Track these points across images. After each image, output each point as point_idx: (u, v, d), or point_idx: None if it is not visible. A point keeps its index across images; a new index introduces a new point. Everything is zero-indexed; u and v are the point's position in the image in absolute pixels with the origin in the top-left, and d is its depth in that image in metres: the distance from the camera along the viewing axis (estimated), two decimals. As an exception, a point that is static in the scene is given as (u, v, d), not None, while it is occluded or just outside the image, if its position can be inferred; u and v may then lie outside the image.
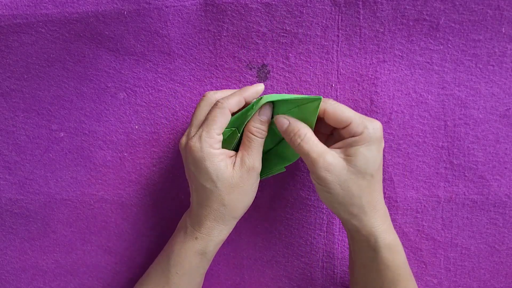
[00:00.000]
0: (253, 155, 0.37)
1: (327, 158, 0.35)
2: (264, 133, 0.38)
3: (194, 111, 0.39)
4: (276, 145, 0.43)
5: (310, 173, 0.37)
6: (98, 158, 0.47)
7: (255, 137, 0.37)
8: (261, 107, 0.37)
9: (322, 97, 0.36)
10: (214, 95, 0.38)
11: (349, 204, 0.36)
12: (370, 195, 0.37)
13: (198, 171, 0.37)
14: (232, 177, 0.37)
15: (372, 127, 0.35)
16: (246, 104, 0.38)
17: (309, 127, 0.37)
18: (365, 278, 0.39)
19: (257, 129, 0.37)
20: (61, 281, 0.50)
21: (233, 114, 0.38)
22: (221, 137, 0.37)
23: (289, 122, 0.37)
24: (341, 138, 0.37)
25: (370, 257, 0.38)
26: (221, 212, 0.38)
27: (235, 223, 0.40)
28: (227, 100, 0.36)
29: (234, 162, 0.37)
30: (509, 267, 0.45)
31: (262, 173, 0.41)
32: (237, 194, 0.37)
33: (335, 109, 0.35)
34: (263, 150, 0.42)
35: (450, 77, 0.43)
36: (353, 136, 0.35)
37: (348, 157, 0.35)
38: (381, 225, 0.37)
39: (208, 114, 0.37)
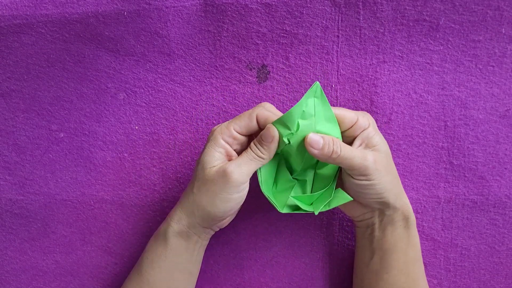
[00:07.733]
0: (234, 163, 0.36)
1: (368, 155, 0.36)
2: (260, 154, 0.37)
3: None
4: (316, 171, 0.41)
5: (352, 177, 0.37)
6: (98, 159, 0.47)
7: (249, 150, 0.37)
8: (265, 129, 0.36)
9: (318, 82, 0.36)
10: (266, 106, 0.38)
11: (394, 185, 0.38)
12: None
13: None
14: (209, 171, 0.37)
15: (368, 116, 0.38)
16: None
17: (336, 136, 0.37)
18: (390, 262, 0.39)
19: (254, 145, 0.37)
20: (61, 281, 0.50)
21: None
22: (236, 135, 0.37)
23: (323, 138, 0.36)
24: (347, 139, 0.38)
25: (401, 237, 0.39)
26: (189, 199, 0.38)
27: (199, 223, 0.38)
28: (261, 111, 0.37)
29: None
30: (509, 268, 0.45)
31: (301, 202, 0.40)
32: (205, 191, 0.37)
33: (340, 109, 0.37)
34: (304, 180, 0.41)
35: (450, 77, 0.43)
36: (363, 130, 0.37)
37: (374, 147, 0.37)
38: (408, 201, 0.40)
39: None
